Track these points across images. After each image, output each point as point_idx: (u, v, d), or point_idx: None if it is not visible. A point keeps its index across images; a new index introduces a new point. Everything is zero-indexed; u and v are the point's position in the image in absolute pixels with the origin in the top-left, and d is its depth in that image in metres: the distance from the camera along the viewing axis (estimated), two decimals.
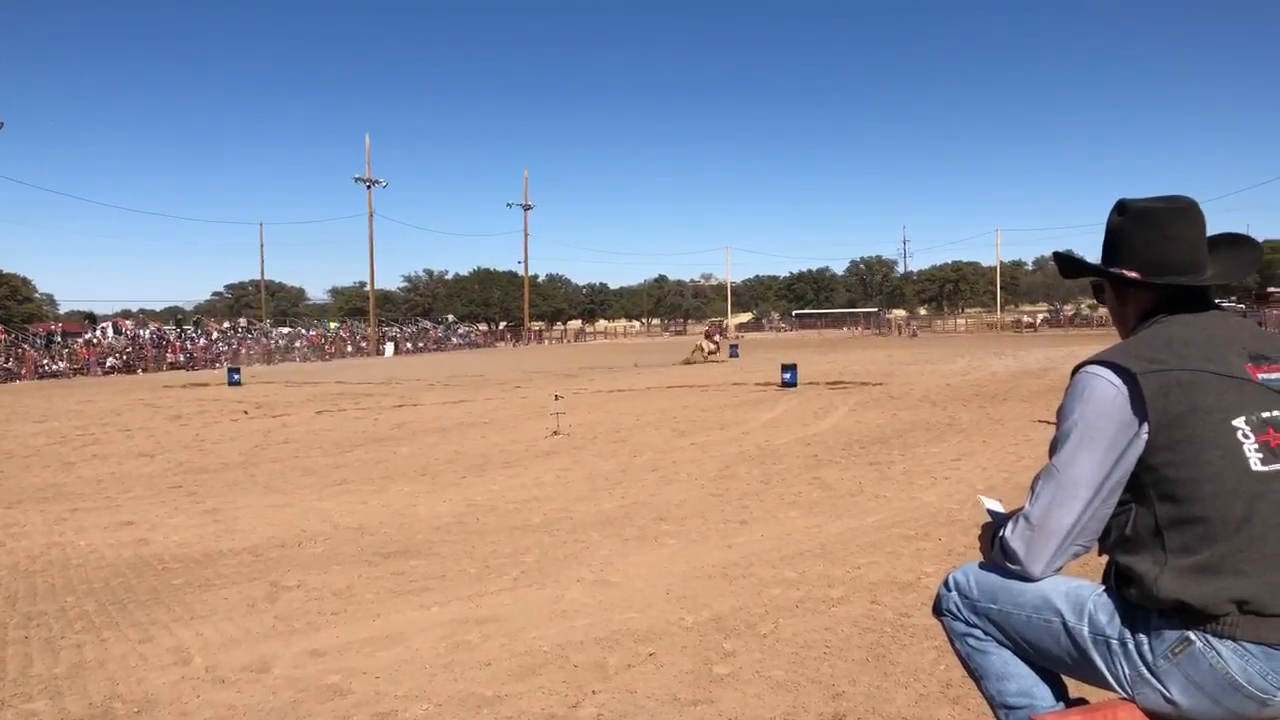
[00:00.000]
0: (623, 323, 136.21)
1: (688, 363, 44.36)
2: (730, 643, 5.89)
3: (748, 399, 23.87)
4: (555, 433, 17.28)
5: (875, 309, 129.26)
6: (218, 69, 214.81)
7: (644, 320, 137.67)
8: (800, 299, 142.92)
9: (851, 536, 8.72)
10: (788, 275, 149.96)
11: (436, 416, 22.13)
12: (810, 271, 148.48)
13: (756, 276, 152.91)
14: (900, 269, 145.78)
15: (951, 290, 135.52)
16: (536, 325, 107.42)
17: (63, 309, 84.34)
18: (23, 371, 50.90)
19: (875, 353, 51.56)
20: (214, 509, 11.33)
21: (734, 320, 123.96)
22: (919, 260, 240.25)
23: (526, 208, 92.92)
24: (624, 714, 4.87)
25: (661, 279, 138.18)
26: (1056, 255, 3.11)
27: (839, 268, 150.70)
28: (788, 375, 26.84)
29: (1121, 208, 2.75)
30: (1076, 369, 2.59)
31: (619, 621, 6.39)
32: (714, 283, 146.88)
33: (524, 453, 15.23)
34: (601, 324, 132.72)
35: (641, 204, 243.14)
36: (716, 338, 49.63)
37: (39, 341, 57.15)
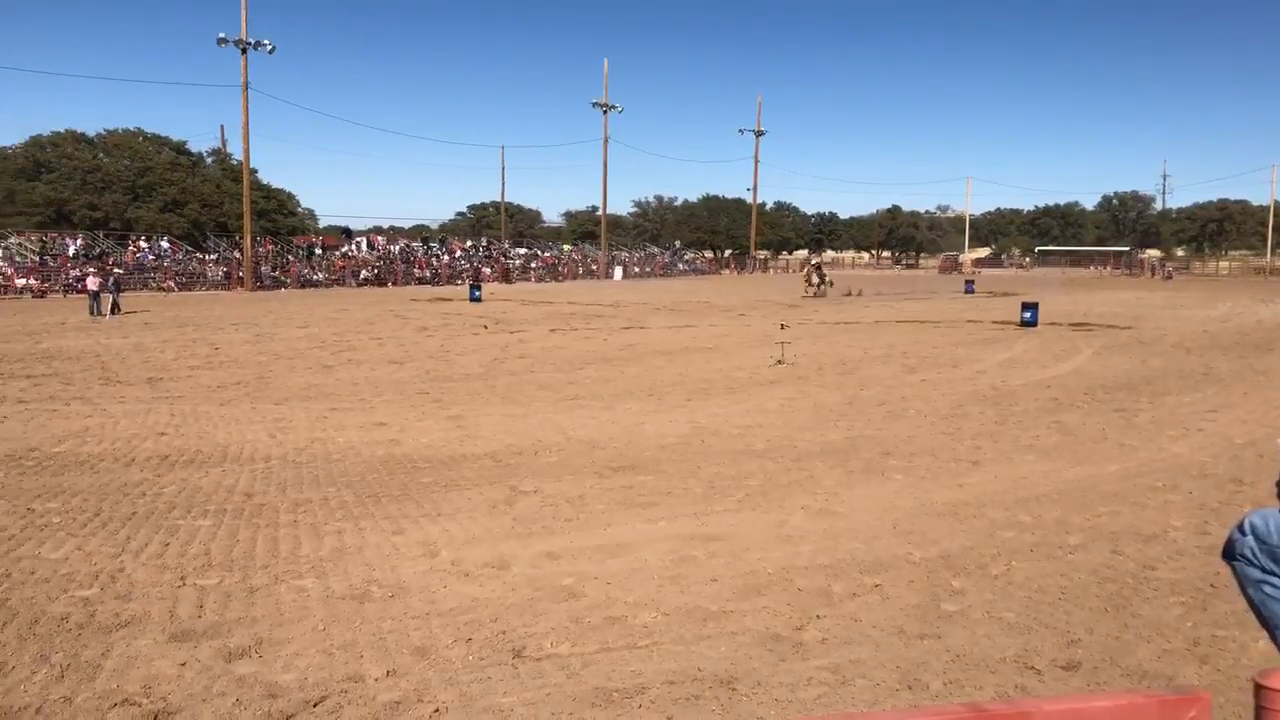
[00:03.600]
0: (851, 253, 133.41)
1: (806, 296, 43.57)
2: (959, 581, 5.78)
3: (983, 337, 23.00)
4: (779, 362, 17.23)
5: (1127, 248, 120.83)
6: None
7: (874, 252, 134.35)
8: (1044, 234, 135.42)
9: (1092, 484, 8.31)
10: (1032, 209, 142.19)
11: (662, 340, 22.49)
12: (1057, 206, 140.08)
13: (997, 209, 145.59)
14: (1158, 206, 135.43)
15: (1215, 231, 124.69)
16: (762, 254, 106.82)
17: (322, 223, 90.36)
18: (288, 280, 55.23)
19: (1124, 294, 48.42)
20: (457, 415, 12.01)
21: (970, 255, 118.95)
22: (1179, 197, 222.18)
23: (758, 134, 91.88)
24: (848, 640, 4.88)
25: (894, 209, 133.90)
26: None
27: (1089, 202, 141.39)
28: (1027, 314, 25.63)
29: None
30: None
31: (844, 550, 6.38)
32: (951, 215, 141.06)
33: (748, 380, 15.29)
34: (829, 254, 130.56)
35: (875, 132, 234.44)
36: (815, 275, 45.89)
37: (302, 253, 61.72)
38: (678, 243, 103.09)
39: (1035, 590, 5.61)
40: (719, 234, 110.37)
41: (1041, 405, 12.64)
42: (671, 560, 6.17)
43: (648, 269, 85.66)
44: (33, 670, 4.54)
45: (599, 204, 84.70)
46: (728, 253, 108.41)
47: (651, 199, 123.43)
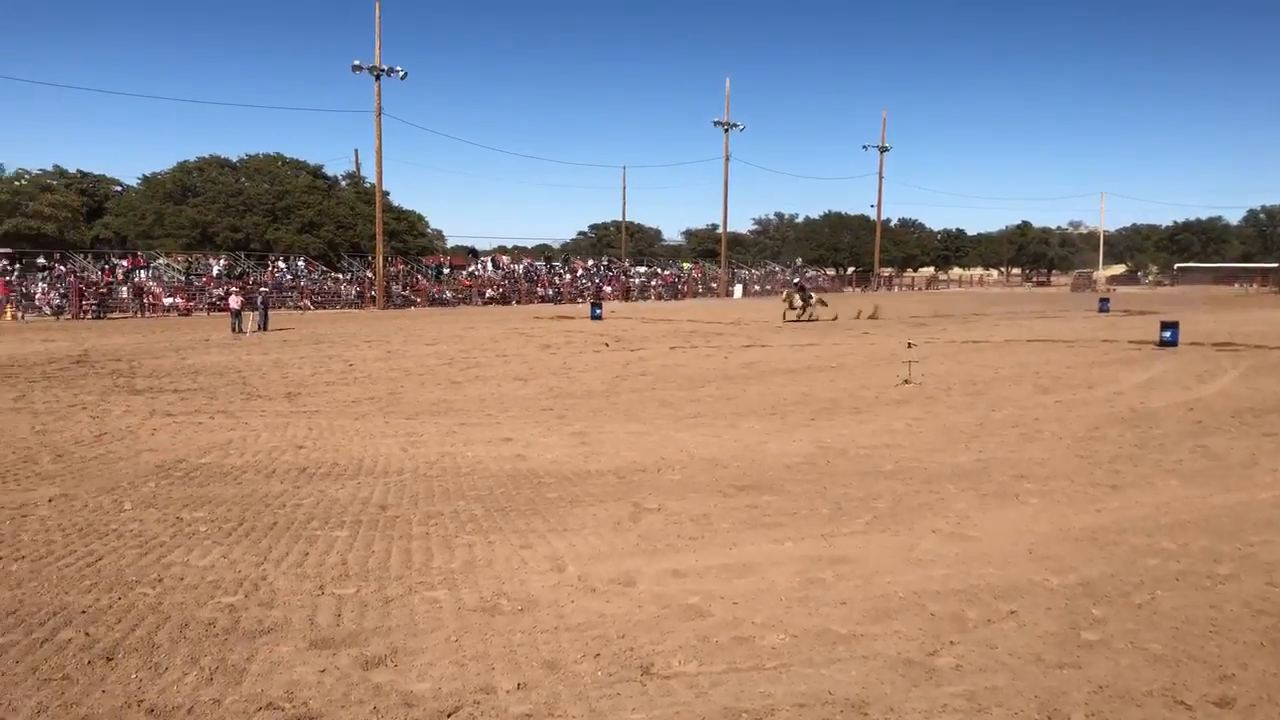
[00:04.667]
0: (979, 271, 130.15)
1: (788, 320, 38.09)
2: (1100, 609, 5.56)
3: (1119, 357, 22.14)
4: (906, 381, 16.91)
5: (1276, 264, 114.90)
6: (584, 18, 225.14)
7: (1003, 269, 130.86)
8: (1184, 251, 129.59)
9: (1243, 511, 7.91)
10: (1170, 225, 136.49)
11: (784, 358, 22.32)
12: (1198, 221, 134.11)
13: (1133, 225, 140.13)
14: None
15: None
16: (886, 271, 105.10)
17: (450, 244, 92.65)
18: (417, 299, 56.79)
19: (1273, 313, 45.99)
20: (581, 432, 12.13)
21: (1104, 272, 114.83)
22: None
23: (883, 149, 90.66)
24: (984, 668, 4.75)
25: (1024, 226, 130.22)
26: None
27: (1234, 217, 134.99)
28: (1167, 333, 24.57)
29: None
30: None
31: (977, 575, 6.21)
32: (1083, 231, 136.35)
33: (874, 399, 15.05)
34: (956, 271, 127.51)
35: (1004, 146, 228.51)
36: (798, 298, 39.57)
37: (430, 272, 63.44)
38: (799, 260, 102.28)
39: (1182, 621, 5.36)
40: (842, 251, 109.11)
41: (1184, 428, 12.10)
42: (799, 581, 6.11)
43: (769, 286, 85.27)
44: (184, 672, 4.75)
45: (719, 222, 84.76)
46: (851, 270, 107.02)
47: (772, 216, 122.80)
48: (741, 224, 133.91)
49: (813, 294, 41.69)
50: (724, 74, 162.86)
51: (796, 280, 50.76)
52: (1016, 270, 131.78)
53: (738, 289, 78.83)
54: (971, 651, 4.95)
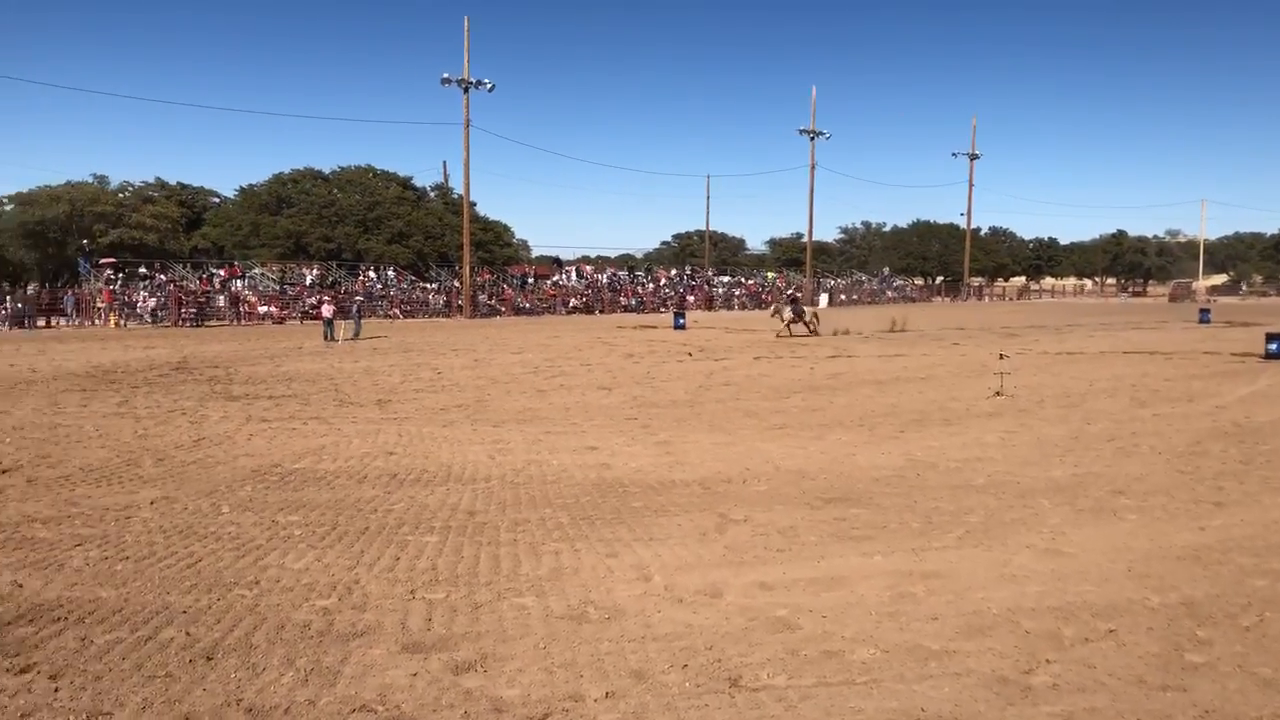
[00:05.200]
0: (1072, 280, 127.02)
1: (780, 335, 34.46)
2: (1204, 630, 5.37)
3: (1222, 369, 21.40)
4: (998, 393, 16.57)
5: None
6: (669, 27, 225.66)
7: (1097, 279, 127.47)
8: None
9: None
10: (1275, 233, 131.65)
11: (871, 369, 22.05)
12: None
13: (1236, 234, 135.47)
14: None
15: None
16: (976, 280, 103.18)
17: (535, 253, 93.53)
18: (502, 308, 57.51)
19: None
20: (665, 441, 12.13)
21: (1205, 282, 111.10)
22: None
23: (973, 157, 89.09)
24: (1082, 688, 4.62)
25: (1119, 234, 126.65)
26: None
27: None
28: (1273, 345, 23.66)
29: None
30: None
31: (1073, 593, 6.05)
32: (1182, 239, 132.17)
33: (964, 411, 14.77)
34: (1048, 281, 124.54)
35: (1098, 153, 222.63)
36: (788, 311, 35.90)
37: (515, 282, 64.22)
38: (886, 269, 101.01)
39: None
40: (930, 260, 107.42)
41: None
42: (889, 596, 6.01)
43: (854, 296, 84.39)
44: (280, 673, 4.86)
45: (804, 230, 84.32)
46: (939, 279, 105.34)
47: (859, 225, 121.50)
48: (827, 233, 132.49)
49: (806, 308, 37.55)
50: (809, 81, 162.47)
51: (789, 292, 45.12)
52: (1111, 280, 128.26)
53: (823, 298, 78.20)
54: (1069, 671, 4.82)
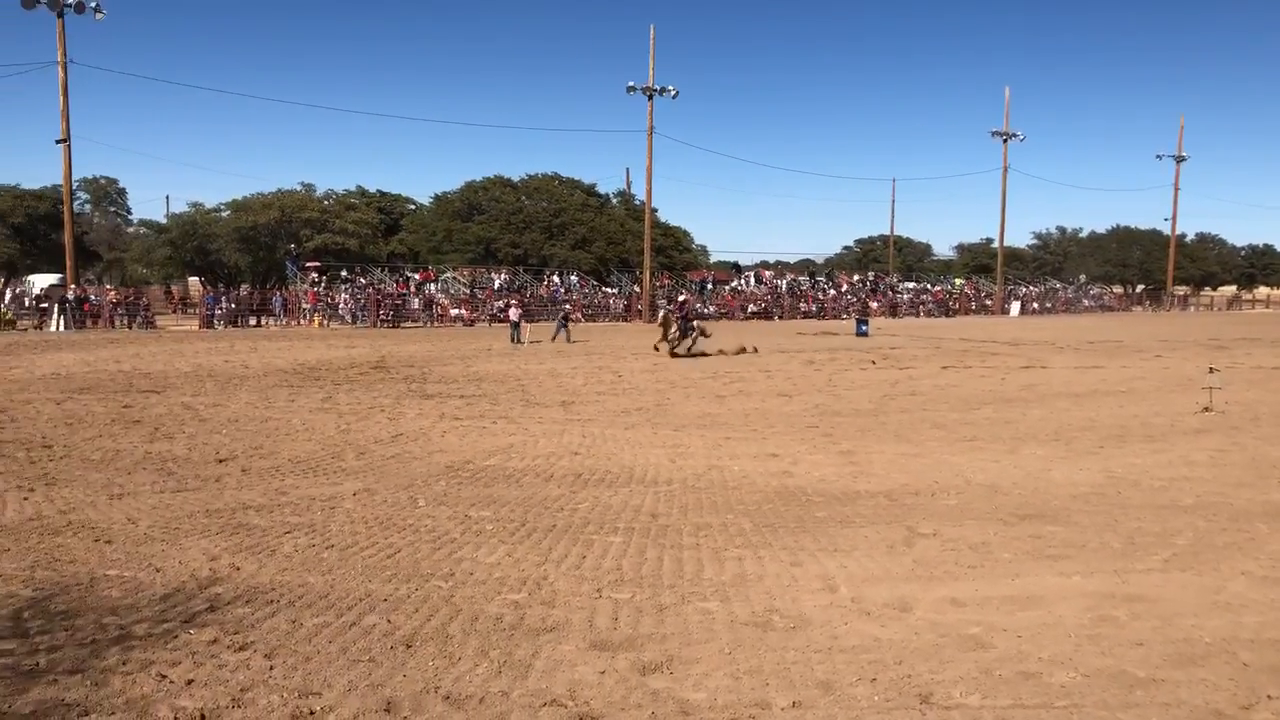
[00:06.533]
0: None
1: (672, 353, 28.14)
2: None
3: None
4: (1206, 409, 15.54)
5: None
6: (853, 28, 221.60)
7: None
8: None
9: None
10: None
11: (1067, 381, 21.05)
12: None
13: None
14: None
15: None
16: (1181, 289, 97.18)
17: (714, 259, 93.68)
18: None
19: None
20: (848, 451, 11.93)
21: None
22: None
23: (1179, 159, 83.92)
24: None
25: None
26: None
27: None
28: None
29: None
30: None
31: None
32: None
33: (1169, 428, 13.93)
34: (1262, 291, 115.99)
35: None
36: (675, 326, 28.81)
37: (695, 287, 64.60)
38: (1083, 276, 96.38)
39: None
40: (1130, 268, 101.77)
41: None
42: (1090, 619, 5.72)
43: (1048, 305, 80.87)
44: (475, 663, 5.03)
45: (994, 236, 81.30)
46: (1140, 288, 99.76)
47: (1053, 230, 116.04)
48: (1019, 238, 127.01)
49: (696, 322, 30.85)
50: (1003, 81, 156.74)
51: (682, 299, 36.33)
52: None
53: (1014, 307, 75.28)
54: None
